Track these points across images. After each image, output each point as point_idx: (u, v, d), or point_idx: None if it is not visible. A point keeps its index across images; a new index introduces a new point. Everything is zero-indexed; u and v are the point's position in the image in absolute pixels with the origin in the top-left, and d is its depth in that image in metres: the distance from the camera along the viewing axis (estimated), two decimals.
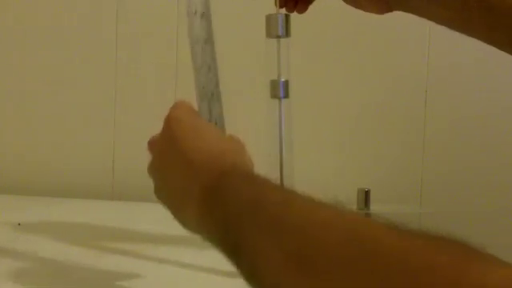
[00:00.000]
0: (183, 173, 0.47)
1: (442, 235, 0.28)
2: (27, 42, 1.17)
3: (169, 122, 0.50)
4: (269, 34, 0.64)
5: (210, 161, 0.46)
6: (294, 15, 0.65)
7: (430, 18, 0.60)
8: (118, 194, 1.13)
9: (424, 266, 0.27)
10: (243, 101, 1.04)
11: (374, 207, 0.87)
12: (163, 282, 0.64)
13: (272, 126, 0.64)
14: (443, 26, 0.59)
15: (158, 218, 0.54)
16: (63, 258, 0.69)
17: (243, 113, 1.05)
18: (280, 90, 0.64)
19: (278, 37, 0.64)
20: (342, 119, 1.08)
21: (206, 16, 0.55)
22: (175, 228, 0.49)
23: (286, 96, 0.65)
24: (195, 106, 0.54)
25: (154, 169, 0.51)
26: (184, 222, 0.48)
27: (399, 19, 0.64)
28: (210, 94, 0.54)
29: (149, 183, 0.52)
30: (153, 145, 0.52)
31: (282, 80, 0.64)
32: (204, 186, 0.44)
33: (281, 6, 0.64)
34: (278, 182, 0.63)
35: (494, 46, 0.56)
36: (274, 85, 0.65)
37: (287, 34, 0.64)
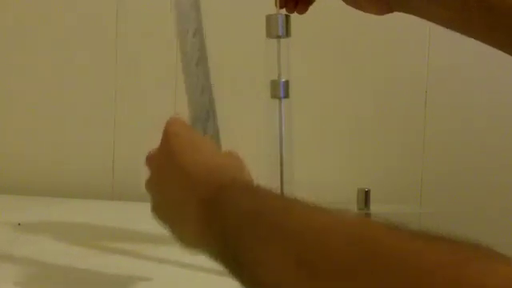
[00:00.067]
0: (181, 186, 0.47)
1: (442, 235, 0.28)
2: (27, 42, 1.17)
3: (166, 136, 0.50)
4: (269, 34, 0.64)
5: (209, 174, 0.45)
6: (294, 15, 0.65)
7: (430, 19, 0.60)
8: (117, 194, 1.13)
9: (424, 266, 0.27)
10: (243, 101, 1.04)
11: (374, 207, 0.87)
12: (163, 282, 0.64)
13: (272, 126, 0.64)
14: (443, 27, 0.59)
15: None
16: (63, 258, 0.69)
17: (243, 113, 1.05)
18: (280, 90, 0.64)
19: (278, 37, 0.64)
20: (341, 119, 1.08)
21: (198, 32, 0.54)
22: None
23: (286, 96, 0.65)
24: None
25: (153, 183, 0.51)
26: (182, 237, 0.47)
27: (399, 20, 0.64)
28: (205, 114, 0.54)
29: None
30: (151, 160, 0.51)
31: (282, 80, 0.64)
32: (202, 198, 0.44)
33: (281, 7, 0.64)
34: (278, 182, 0.63)
35: (494, 46, 0.56)
36: (274, 85, 0.65)
37: (287, 34, 0.64)
